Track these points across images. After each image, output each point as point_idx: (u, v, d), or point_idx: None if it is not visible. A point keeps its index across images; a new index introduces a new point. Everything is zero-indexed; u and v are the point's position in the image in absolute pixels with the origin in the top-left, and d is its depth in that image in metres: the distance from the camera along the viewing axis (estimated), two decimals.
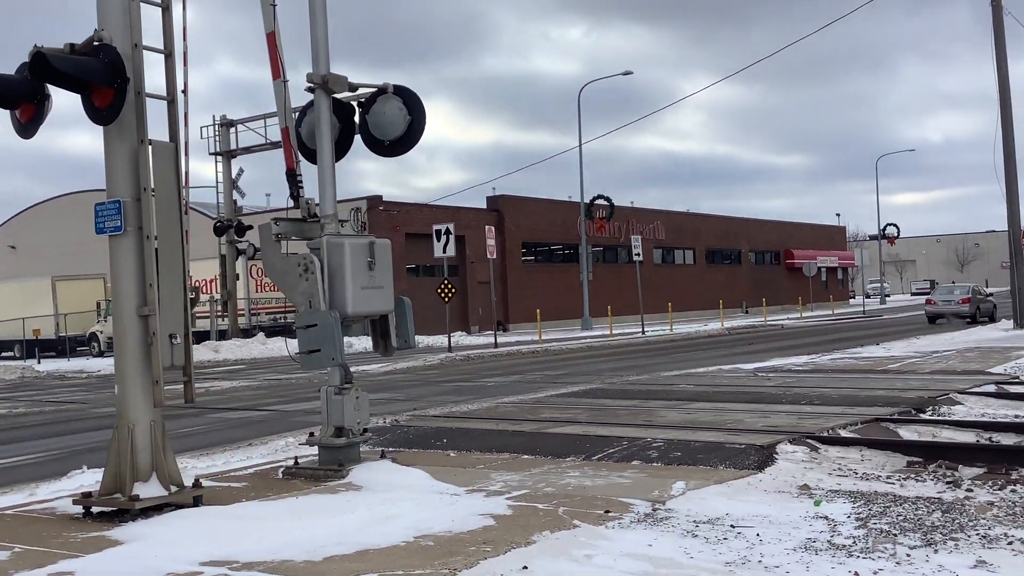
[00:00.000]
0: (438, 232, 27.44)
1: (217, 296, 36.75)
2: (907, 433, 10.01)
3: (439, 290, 28.55)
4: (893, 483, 7.62)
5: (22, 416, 16.36)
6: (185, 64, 34.16)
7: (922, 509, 6.61)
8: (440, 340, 32.73)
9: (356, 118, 9.18)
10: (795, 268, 68.30)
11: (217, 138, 34.75)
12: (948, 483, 7.51)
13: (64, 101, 7.44)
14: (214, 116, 35.12)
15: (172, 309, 7.37)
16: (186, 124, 34.31)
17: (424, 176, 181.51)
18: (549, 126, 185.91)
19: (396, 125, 9.07)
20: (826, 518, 6.43)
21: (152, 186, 7.25)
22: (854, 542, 5.81)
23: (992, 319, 36.91)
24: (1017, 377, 14.74)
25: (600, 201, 50.74)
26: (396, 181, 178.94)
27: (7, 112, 7.36)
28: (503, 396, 15.05)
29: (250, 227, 29.64)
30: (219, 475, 8.85)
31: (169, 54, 7.48)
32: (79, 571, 5.62)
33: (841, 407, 11.59)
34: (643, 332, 37.43)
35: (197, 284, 37.64)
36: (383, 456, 8.94)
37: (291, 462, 8.90)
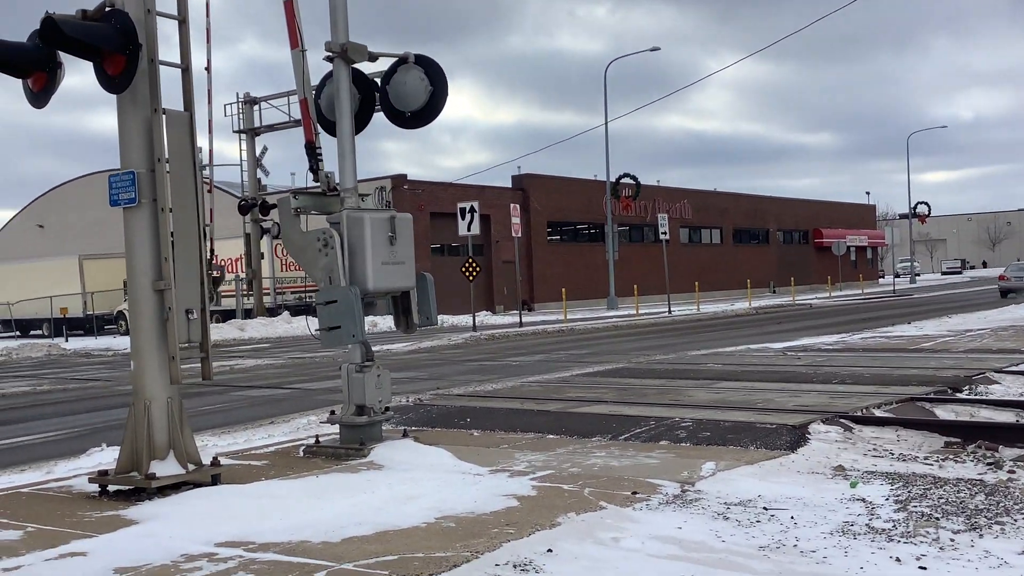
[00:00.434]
0: (462, 210, 27.20)
1: (242, 275, 36.77)
2: (943, 412, 9.69)
3: (463, 269, 28.35)
4: (931, 464, 7.34)
5: (45, 393, 16.35)
6: (208, 41, 34.15)
7: (964, 491, 6.34)
8: (464, 319, 32.55)
9: (376, 89, 8.96)
10: (824, 247, 67.54)
11: (241, 116, 34.66)
12: (989, 464, 7.22)
13: (91, 80, 7.23)
14: (238, 94, 35.04)
15: (188, 283, 7.20)
16: (210, 102, 34.32)
17: (449, 156, 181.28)
18: (574, 105, 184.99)
19: (417, 96, 8.84)
20: (863, 500, 6.17)
21: (166, 157, 7.07)
22: (894, 526, 5.55)
23: None
24: None
25: (626, 180, 50.25)
26: (421, 161, 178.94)
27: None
28: (528, 375, 14.85)
29: (274, 206, 29.48)
30: (239, 453, 8.71)
31: (183, 20, 7.27)
32: (92, 551, 5.48)
33: (874, 386, 11.29)
34: (669, 312, 37.09)
35: (223, 263, 37.70)
36: (405, 435, 8.76)
37: (312, 440, 8.74)
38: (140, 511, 6.46)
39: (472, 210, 26.94)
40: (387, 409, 8.70)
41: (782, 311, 38.12)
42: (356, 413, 8.46)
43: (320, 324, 8.15)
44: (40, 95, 7.16)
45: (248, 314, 35.91)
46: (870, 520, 5.68)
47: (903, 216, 79.59)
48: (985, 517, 5.66)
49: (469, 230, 27.21)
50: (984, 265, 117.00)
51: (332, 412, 8.90)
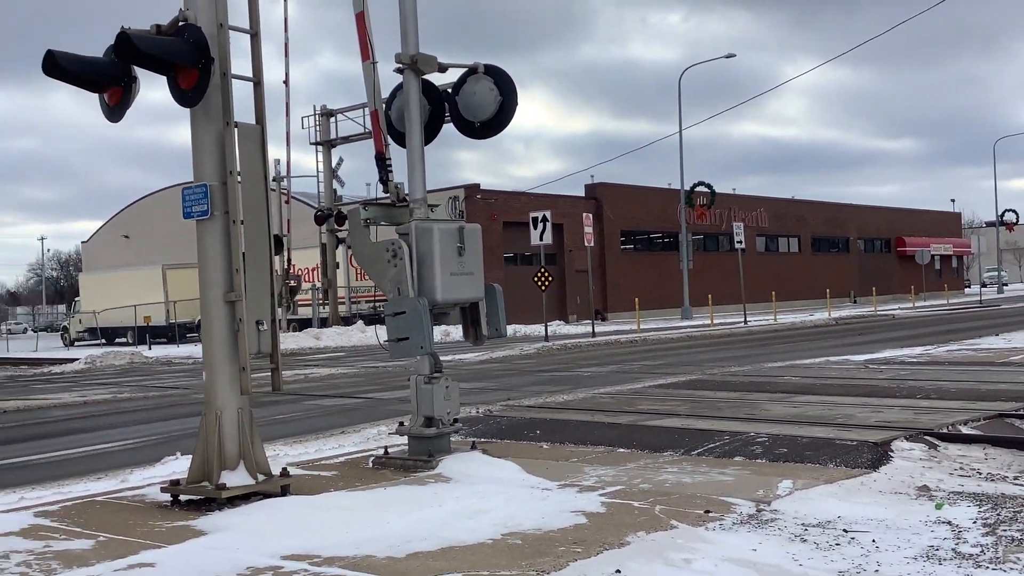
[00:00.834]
0: (535, 220, 27.11)
1: (318, 284, 37.27)
2: None
3: (535, 278, 28.25)
4: (1022, 485, 6.99)
5: (125, 401, 16.71)
6: (287, 55, 34.73)
7: None
8: (537, 329, 32.46)
9: (446, 99, 8.93)
10: (907, 256, 65.87)
11: (317, 128, 35.16)
12: None
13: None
14: (315, 106, 35.57)
15: (258, 295, 7.23)
16: (288, 115, 34.89)
17: (522, 165, 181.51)
18: (648, 114, 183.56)
19: (487, 106, 8.79)
20: (949, 523, 5.89)
21: (238, 169, 7.12)
22: (982, 551, 5.27)
23: None
24: None
25: (701, 188, 49.68)
26: (494, 170, 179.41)
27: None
28: (599, 387, 14.67)
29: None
30: (310, 463, 8.73)
31: (255, 34, 7.33)
32: (159, 563, 5.50)
33: (960, 401, 10.86)
34: (745, 322, 36.46)
35: (299, 272, 38.28)
36: (474, 447, 8.69)
37: (381, 451, 8.72)
38: (209, 522, 6.48)
39: (544, 219, 26.84)
40: (456, 421, 8.63)
41: (863, 322, 37.18)
42: (424, 425, 8.41)
43: (388, 335, 8.13)
44: (116, 109, 7.27)
45: (324, 323, 36.36)
46: (956, 544, 5.41)
47: (990, 224, 77.11)
48: None
49: (541, 240, 27.11)
50: None
51: (401, 424, 8.87)
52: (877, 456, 7.91)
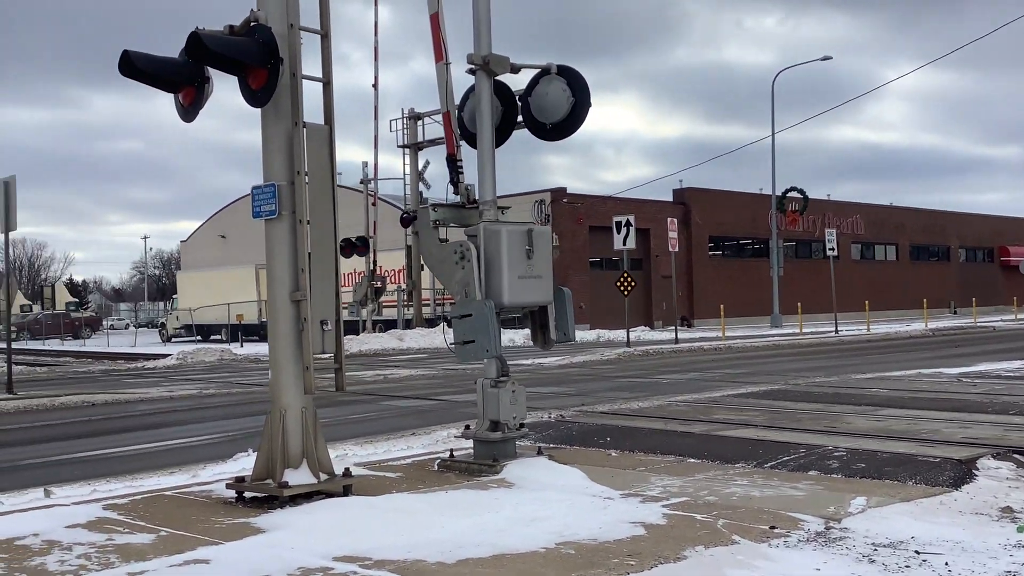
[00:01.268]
0: (618, 224, 26.88)
1: (404, 286, 37.64)
2: None
3: (618, 283, 27.99)
4: None
5: (210, 397, 17.08)
6: (376, 59, 35.20)
7: None
8: (620, 334, 32.17)
9: (518, 100, 8.85)
10: (1010, 266, 63.41)
11: (405, 131, 35.53)
12: None
13: None
14: (402, 110, 35.96)
15: (323, 295, 7.26)
16: (376, 118, 35.34)
17: (612, 169, 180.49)
18: (741, 118, 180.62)
19: (559, 107, 8.66)
20: None
21: (306, 169, 7.16)
22: None
23: None
24: None
25: (793, 194, 48.64)
26: (583, 175, 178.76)
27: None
28: (676, 394, 14.40)
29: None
30: (376, 464, 8.74)
31: (325, 35, 7.36)
32: (214, 559, 5.53)
33: None
34: (836, 331, 35.52)
35: (385, 274, 38.72)
36: (540, 453, 8.57)
37: (447, 454, 8.68)
38: (269, 520, 6.51)
39: (628, 224, 26.58)
40: (522, 426, 8.53)
41: (961, 333, 35.85)
42: (490, 429, 8.34)
43: (455, 338, 8.08)
44: (190, 109, 7.39)
45: (408, 324, 36.70)
46: None
47: None
48: None
49: (624, 244, 26.86)
50: None
51: (467, 427, 8.81)
52: (960, 474, 7.54)
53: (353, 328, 37.43)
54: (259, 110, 7.21)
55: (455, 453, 8.65)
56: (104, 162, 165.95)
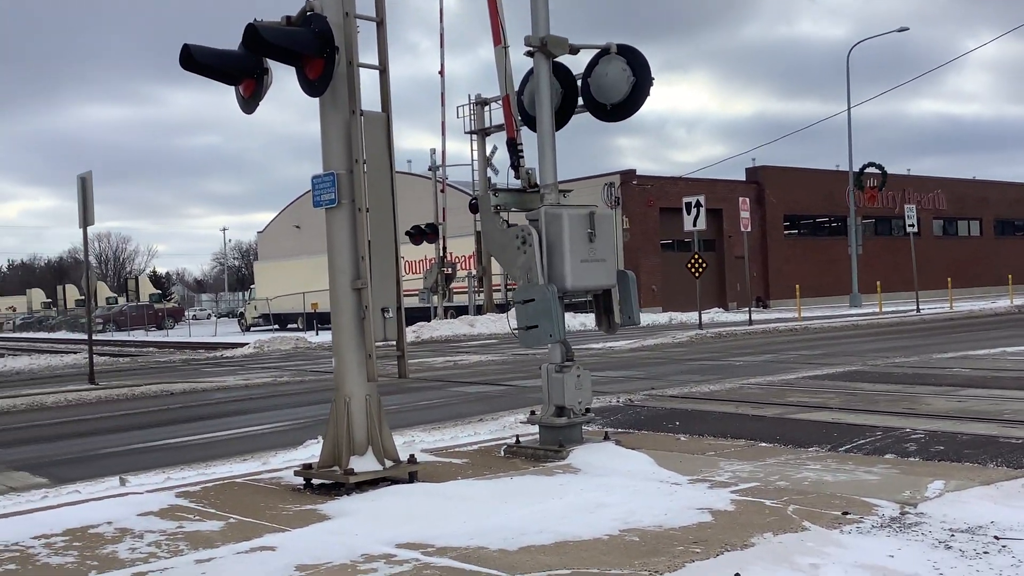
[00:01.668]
0: (688, 205, 26.51)
1: (474, 272, 37.75)
2: None
3: (688, 265, 27.63)
4: None
5: (283, 384, 17.35)
6: (442, 46, 35.29)
7: None
8: (693, 317, 31.79)
9: (578, 82, 8.73)
10: None
11: (472, 117, 35.54)
12: None
13: None
14: (469, 96, 35.96)
15: (384, 283, 7.26)
16: (443, 104, 35.47)
17: (684, 150, 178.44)
18: (815, 94, 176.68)
19: (619, 87, 8.52)
20: None
21: (364, 158, 7.16)
22: None
23: None
24: None
25: (871, 169, 47.39)
26: (654, 156, 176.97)
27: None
28: (749, 377, 14.15)
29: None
30: (443, 450, 8.74)
31: (380, 22, 7.33)
32: (280, 546, 5.58)
33: None
34: (917, 310, 34.58)
35: (455, 260, 38.89)
36: (607, 438, 8.48)
37: (513, 440, 8.64)
38: (335, 506, 6.55)
39: (698, 204, 26.20)
40: (588, 411, 8.45)
41: None
42: (555, 414, 8.28)
43: (518, 323, 8.02)
44: (250, 101, 7.45)
45: (478, 310, 36.82)
46: None
47: None
48: None
49: (695, 225, 26.49)
50: None
51: (532, 412, 8.76)
52: None
53: (424, 315, 37.70)
54: (317, 100, 7.23)
55: (521, 439, 8.61)
56: (183, 157, 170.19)
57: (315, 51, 6.85)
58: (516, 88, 9.15)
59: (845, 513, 5.87)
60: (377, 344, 7.21)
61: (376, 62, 7.35)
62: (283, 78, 7.19)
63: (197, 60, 7.04)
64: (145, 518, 6.41)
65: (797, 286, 35.51)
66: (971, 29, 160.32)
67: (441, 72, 33.77)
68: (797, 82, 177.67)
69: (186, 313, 74.80)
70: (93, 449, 10.68)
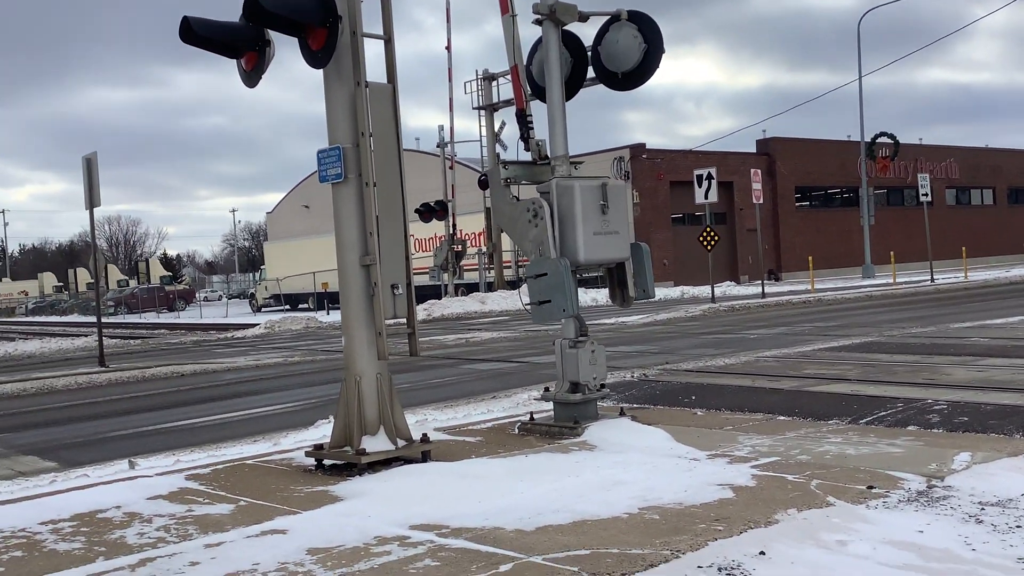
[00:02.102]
0: (699, 177, 26.23)
1: (484, 249, 37.56)
2: None
3: (700, 238, 27.38)
4: None
5: (294, 364, 17.24)
6: (448, 21, 34.99)
7: None
8: (705, 290, 31.57)
9: (588, 50, 8.52)
10: None
11: (480, 93, 35.25)
12: None
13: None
14: (477, 71, 35.65)
15: (393, 259, 7.10)
16: (450, 80, 35.22)
17: (693, 124, 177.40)
18: (825, 64, 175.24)
19: (630, 55, 8.30)
20: None
21: (370, 131, 6.97)
22: None
23: None
24: None
25: (883, 139, 46.97)
26: (663, 130, 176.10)
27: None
28: (764, 350, 13.98)
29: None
30: (456, 428, 8.61)
31: None
32: (291, 529, 5.46)
33: None
34: (932, 280, 34.28)
35: (465, 237, 38.70)
36: (622, 413, 8.33)
37: (528, 417, 8.50)
38: (347, 487, 6.42)
39: (709, 177, 25.92)
40: (603, 386, 8.29)
41: None
42: (570, 391, 8.12)
43: (530, 298, 7.86)
44: (252, 74, 7.27)
45: (489, 287, 36.66)
46: None
47: None
48: None
49: (706, 198, 26.22)
50: None
51: (546, 389, 8.61)
52: None
53: (435, 292, 37.57)
54: (321, 72, 7.05)
55: (535, 416, 8.47)
56: (191, 138, 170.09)
57: (318, 21, 6.66)
58: (525, 58, 8.94)
59: (870, 487, 5.71)
60: (387, 321, 7.06)
61: (381, 32, 7.16)
62: (289, 57, 7.01)
63: (197, 33, 6.87)
64: (154, 502, 6.29)
65: (810, 258, 35.23)
66: None
67: (448, 48, 33.48)
68: (805, 53, 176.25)
69: (197, 295, 74.80)
70: (103, 432, 10.59)
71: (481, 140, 35.47)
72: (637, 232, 39.24)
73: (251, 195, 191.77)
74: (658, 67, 8.37)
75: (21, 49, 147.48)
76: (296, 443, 8.30)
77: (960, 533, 4.78)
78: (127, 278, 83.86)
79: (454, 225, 36.30)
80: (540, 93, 8.67)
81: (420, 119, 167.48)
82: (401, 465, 6.99)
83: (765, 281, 31.76)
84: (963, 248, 39.89)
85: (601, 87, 8.83)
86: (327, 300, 41.21)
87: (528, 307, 7.93)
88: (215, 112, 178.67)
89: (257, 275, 70.00)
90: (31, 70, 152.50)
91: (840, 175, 49.75)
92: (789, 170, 48.00)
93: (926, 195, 34.98)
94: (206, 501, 6.27)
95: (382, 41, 7.18)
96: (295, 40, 6.98)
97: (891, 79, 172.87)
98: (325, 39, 6.72)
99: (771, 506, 5.36)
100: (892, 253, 38.19)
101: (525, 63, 8.86)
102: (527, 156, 8.57)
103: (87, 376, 16.33)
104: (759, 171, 29.67)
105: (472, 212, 38.53)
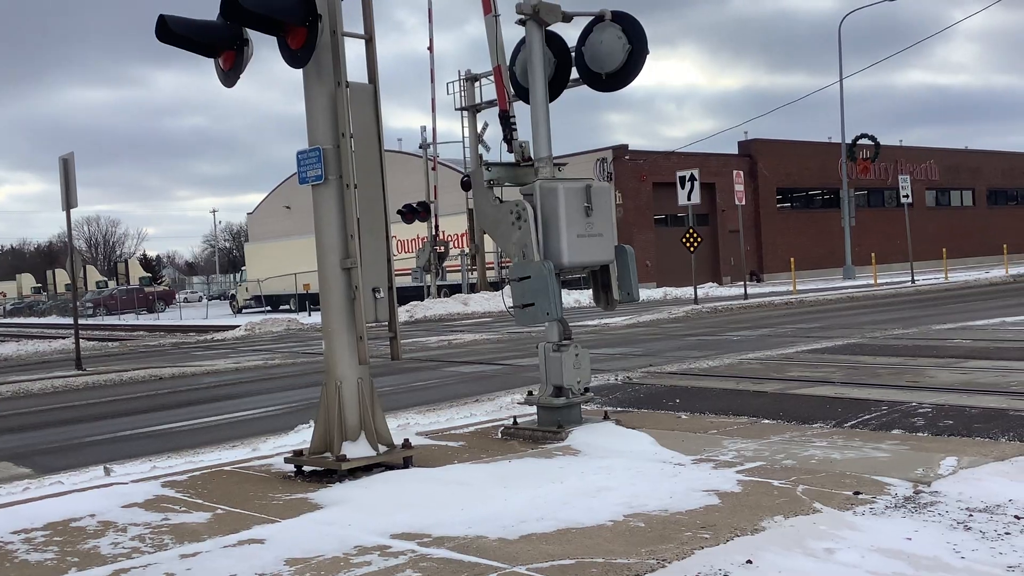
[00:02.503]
0: (682, 179, 26.22)
1: (467, 250, 37.45)
2: None
3: (683, 239, 27.37)
4: None
5: (275, 367, 17.07)
6: (430, 21, 34.86)
7: None
8: (688, 292, 31.59)
9: (571, 51, 8.44)
10: None
11: (463, 93, 35.14)
12: None
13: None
14: (459, 72, 35.53)
15: (374, 262, 7.00)
16: (432, 81, 35.09)
17: (674, 125, 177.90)
18: (804, 66, 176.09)
19: (614, 55, 8.22)
20: None
21: (351, 132, 6.86)
22: None
23: None
24: None
25: (864, 141, 47.17)
26: (645, 131, 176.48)
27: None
28: (747, 352, 13.94)
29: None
30: (438, 433, 8.51)
31: None
32: (269, 539, 5.34)
33: None
34: (912, 281, 34.43)
35: (447, 238, 38.57)
36: (606, 417, 8.26)
37: (511, 421, 8.41)
38: (327, 495, 6.31)
39: (692, 178, 25.92)
40: (587, 390, 8.22)
41: None
42: (554, 394, 8.04)
43: (513, 301, 7.77)
44: (230, 74, 7.15)
45: (472, 289, 36.56)
46: None
47: None
48: None
49: (689, 199, 26.21)
50: None
51: (530, 393, 8.52)
52: None
53: (417, 294, 37.43)
54: (301, 72, 6.93)
55: (519, 420, 8.38)
56: (171, 138, 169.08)
57: (297, 19, 6.54)
58: (508, 59, 8.85)
59: (857, 493, 5.65)
60: (368, 325, 6.95)
61: (362, 31, 7.05)
62: (270, 57, 6.87)
63: (174, 31, 6.74)
64: (129, 510, 6.16)
65: (792, 259, 35.32)
66: (958, 0, 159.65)
67: (430, 48, 33.36)
68: (785, 55, 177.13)
69: (177, 296, 74.27)
70: (79, 437, 10.42)
71: (464, 141, 35.38)
72: (620, 233, 39.16)
73: (232, 195, 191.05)
74: (642, 68, 8.30)
75: None
76: (275, 448, 8.17)
77: (949, 540, 4.72)
78: (106, 279, 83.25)
79: (436, 226, 36.18)
80: (523, 94, 8.58)
81: (402, 120, 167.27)
82: (383, 471, 6.88)
83: (747, 282, 31.80)
84: (943, 249, 40.07)
85: (585, 88, 8.77)
86: (308, 301, 41.02)
87: (511, 310, 7.84)
88: (195, 112, 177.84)
89: (238, 276, 69.56)
90: (8, 69, 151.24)
91: (821, 177, 49.92)
92: (771, 172, 48.13)
93: (906, 196, 35.12)
94: (182, 509, 6.14)
95: (363, 40, 7.05)
96: (275, 39, 6.88)
97: (871, 81, 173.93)
98: (305, 38, 6.61)
99: (757, 513, 5.29)
100: (873, 254, 38.34)
101: (508, 64, 8.77)
102: (511, 157, 8.47)
103: (64, 379, 16.11)
104: (741, 172, 29.71)
105: (455, 213, 38.40)
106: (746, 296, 29.25)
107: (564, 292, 30.75)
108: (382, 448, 7.02)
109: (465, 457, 7.37)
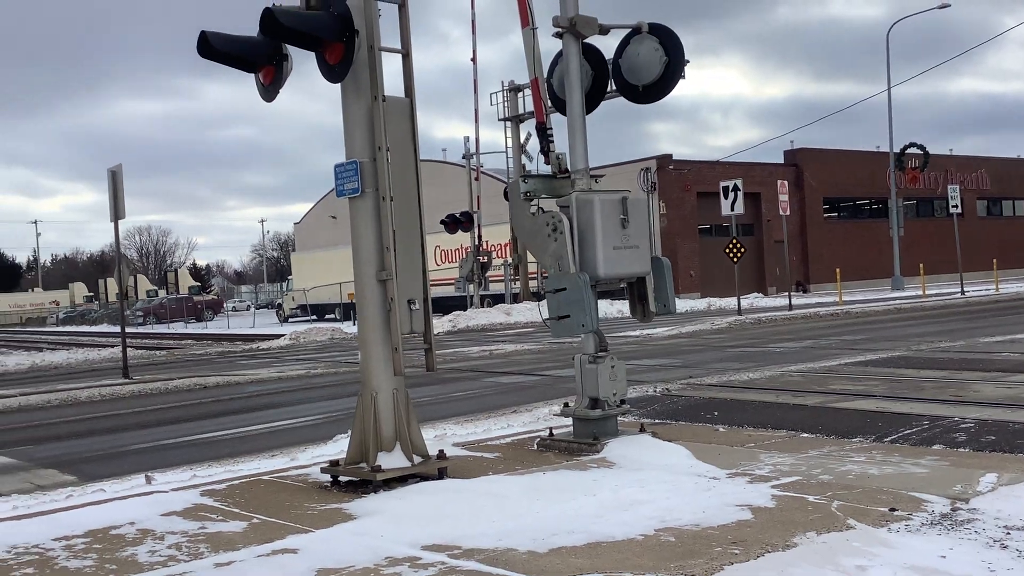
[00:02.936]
0: (725, 189, 26.05)
1: (510, 260, 37.52)
2: None
3: (727, 250, 27.17)
4: None
5: (318, 376, 17.24)
6: (473, 32, 35.02)
7: None
8: (732, 302, 31.34)
9: (608, 63, 8.46)
10: None
11: (506, 104, 35.26)
12: None
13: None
14: (502, 82, 35.65)
15: (410, 274, 7.05)
16: (476, 91, 35.25)
17: (719, 135, 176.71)
18: (852, 75, 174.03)
19: (651, 68, 8.23)
20: None
21: (387, 145, 6.93)
22: None
23: None
24: None
25: (912, 150, 46.54)
26: (689, 141, 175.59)
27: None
28: (790, 364, 13.80)
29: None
30: (474, 444, 8.54)
31: (402, 5, 7.11)
32: (303, 549, 5.40)
33: None
34: (962, 292, 33.84)
35: (490, 248, 38.70)
36: (643, 430, 8.24)
37: (547, 433, 8.41)
38: (361, 505, 6.37)
39: (736, 188, 25.74)
40: (623, 402, 8.20)
41: None
42: (589, 406, 8.03)
43: (550, 312, 7.78)
44: (270, 88, 7.26)
45: (515, 299, 36.60)
46: None
47: None
48: None
49: (732, 209, 26.03)
50: None
51: (566, 404, 8.52)
52: None
53: (461, 303, 37.56)
54: (339, 86, 7.02)
55: (555, 432, 8.38)
56: (219, 149, 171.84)
57: (334, 35, 6.63)
58: (545, 71, 8.89)
59: (892, 509, 5.58)
60: (404, 336, 7.01)
61: (399, 46, 7.13)
62: (315, 70, 6.96)
63: (215, 47, 6.86)
64: (168, 518, 6.26)
65: (838, 270, 34.89)
66: (1008, 6, 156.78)
67: (473, 59, 33.51)
68: (831, 64, 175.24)
69: (225, 305, 75.28)
70: (123, 445, 10.61)
71: (507, 151, 35.48)
72: (664, 243, 39.08)
73: (279, 206, 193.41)
74: (680, 80, 8.29)
75: (51, 62, 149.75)
76: (313, 458, 8.25)
77: (984, 559, 4.65)
78: (156, 288, 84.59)
79: (480, 236, 36.30)
80: (561, 106, 8.61)
81: (446, 130, 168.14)
82: (417, 482, 6.92)
83: (792, 293, 31.48)
84: (994, 260, 39.33)
85: (622, 99, 8.77)
86: (352, 311, 41.25)
87: (548, 321, 7.86)
88: (243, 123, 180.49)
89: (285, 285, 70.37)
90: (63, 83, 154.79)
91: (869, 186, 49.30)
92: (817, 181, 47.64)
93: (956, 206, 34.55)
94: (219, 518, 6.23)
95: (400, 55, 7.12)
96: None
97: (920, 89, 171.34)
98: (342, 53, 6.69)
99: (790, 528, 5.25)
100: (921, 265, 37.74)
101: (546, 76, 8.81)
102: (545, 167, 8.51)
103: (110, 388, 16.41)
104: (786, 182, 29.44)
105: (498, 223, 38.44)
106: (791, 307, 28.95)
107: (607, 303, 30.71)
108: (417, 459, 7.07)
109: (500, 468, 7.39)
